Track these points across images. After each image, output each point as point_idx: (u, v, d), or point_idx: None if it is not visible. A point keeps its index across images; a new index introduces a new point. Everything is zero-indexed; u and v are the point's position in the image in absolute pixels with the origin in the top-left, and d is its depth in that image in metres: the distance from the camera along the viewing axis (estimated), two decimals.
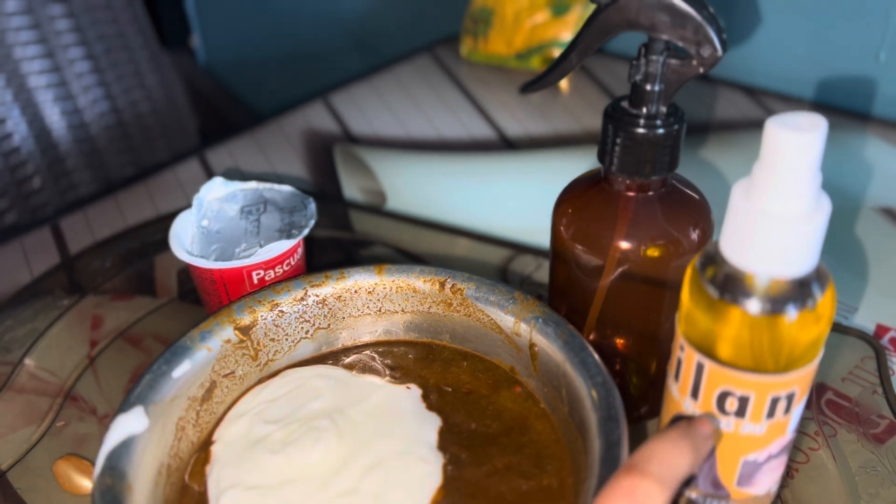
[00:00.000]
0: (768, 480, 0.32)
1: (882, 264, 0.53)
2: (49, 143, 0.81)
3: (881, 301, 0.50)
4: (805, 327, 0.28)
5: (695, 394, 0.30)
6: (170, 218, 0.48)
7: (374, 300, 0.42)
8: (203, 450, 0.37)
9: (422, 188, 0.62)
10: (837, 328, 0.47)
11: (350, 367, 0.41)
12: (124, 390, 0.45)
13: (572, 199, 0.38)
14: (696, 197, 0.37)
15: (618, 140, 0.34)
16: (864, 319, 0.49)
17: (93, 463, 0.40)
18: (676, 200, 0.37)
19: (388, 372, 0.40)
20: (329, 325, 0.42)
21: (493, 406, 0.38)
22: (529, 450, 0.36)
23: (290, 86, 1.09)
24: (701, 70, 0.33)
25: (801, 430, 0.41)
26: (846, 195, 0.59)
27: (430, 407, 0.38)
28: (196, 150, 0.69)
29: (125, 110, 0.88)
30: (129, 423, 0.34)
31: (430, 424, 0.37)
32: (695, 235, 0.36)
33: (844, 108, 0.70)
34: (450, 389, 0.39)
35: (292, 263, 0.45)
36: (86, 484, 0.40)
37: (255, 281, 0.44)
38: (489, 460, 0.36)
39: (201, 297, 0.47)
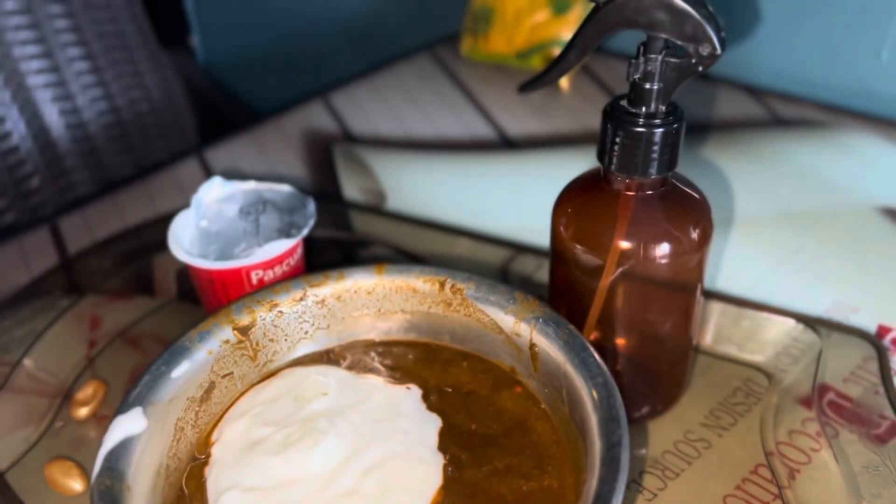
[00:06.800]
0: None
1: (883, 264, 0.53)
2: (47, 143, 0.81)
3: (883, 301, 0.50)
4: None
5: None
6: (169, 218, 0.48)
7: (373, 300, 0.41)
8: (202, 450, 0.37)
9: (422, 188, 0.62)
10: (840, 328, 0.47)
11: (350, 367, 0.41)
12: (123, 391, 0.45)
13: (572, 199, 0.38)
14: (697, 196, 0.37)
15: (617, 139, 0.34)
16: (866, 320, 0.48)
17: (80, 465, 0.40)
18: (676, 199, 0.36)
19: (387, 372, 0.40)
20: (328, 325, 0.42)
21: (493, 407, 0.38)
22: (530, 450, 0.36)
23: (290, 86, 1.09)
24: (700, 68, 0.33)
25: (802, 431, 0.41)
26: (847, 195, 0.59)
27: (431, 407, 0.38)
28: (195, 150, 0.69)
29: (124, 110, 0.88)
30: (128, 424, 0.34)
31: (431, 425, 0.37)
32: (695, 235, 0.36)
33: (845, 106, 0.70)
34: (450, 390, 0.39)
35: (291, 263, 0.45)
36: (74, 485, 0.40)
37: (254, 281, 0.44)
38: (489, 461, 0.35)
39: (200, 298, 0.47)
